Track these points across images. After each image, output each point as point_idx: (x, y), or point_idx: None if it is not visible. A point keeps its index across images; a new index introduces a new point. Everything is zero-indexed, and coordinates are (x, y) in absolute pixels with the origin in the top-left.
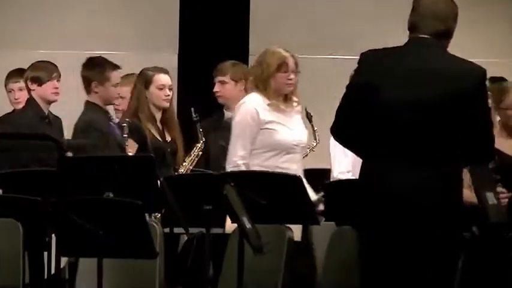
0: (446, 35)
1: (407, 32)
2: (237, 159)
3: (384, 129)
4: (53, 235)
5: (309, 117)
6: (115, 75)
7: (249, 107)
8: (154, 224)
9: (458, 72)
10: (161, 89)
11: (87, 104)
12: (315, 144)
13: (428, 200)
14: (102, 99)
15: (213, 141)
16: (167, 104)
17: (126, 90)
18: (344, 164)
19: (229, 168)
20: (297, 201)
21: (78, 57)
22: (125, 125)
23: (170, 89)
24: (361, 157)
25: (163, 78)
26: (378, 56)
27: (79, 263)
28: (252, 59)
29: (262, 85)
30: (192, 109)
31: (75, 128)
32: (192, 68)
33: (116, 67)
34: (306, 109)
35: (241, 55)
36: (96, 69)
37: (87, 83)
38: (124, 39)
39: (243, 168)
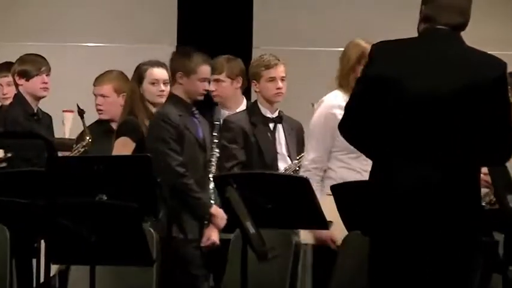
0: (462, 27)
1: (414, 24)
2: (308, 163)
3: (398, 124)
4: (42, 241)
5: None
6: (203, 69)
7: (325, 107)
8: (151, 229)
9: (478, 64)
10: (154, 83)
11: (169, 95)
12: None
13: (445, 202)
14: (186, 92)
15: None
16: (162, 100)
17: (107, 89)
18: None
19: (301, 172)
20: (305, 205)
21: (72, 50)
22: (217, 123)
23: (165, 84)
24: (370, 157)
25: (156, 72)
26: (391, 47)
27: (70, 271)
28: (256, 52)
29: (344, 81)
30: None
31: (150, 121)
32: None
33: (206, 61)
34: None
35: (244, 48)
36: (183, 59)
37: (173, 73)
38: (119, 30)
39: (313, 172)
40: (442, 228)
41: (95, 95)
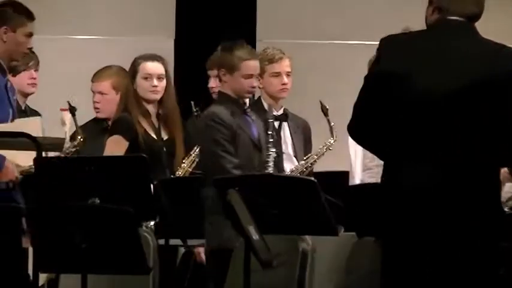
0: (477, 17)
1: (423, 15)
2: (369, 160)
3: (411, 123)
4: (30, 247)
5: (324, 110)
6: (247, 65)
7: None
8: (147, 235)
9: (494, 57)
10: (147, 78)
11: (218, 94)
12: (332, 141)
13: (463, 206)
14: (232, 90)
15: None
16: (155, 96)
17: (105, 86)
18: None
19: (364, 172)
20: (312, 209)
21: (66, 43)
22: (271, 120)
23: (160, 79)
24: (382, 158)
25: (149, 67)
26: (401, 41)
27: (60, 280)
28: (260, 46)
29: None
30: (192, 102)
31: (200, 121)
32: (190, 55)
33: (251, 55)
34: (321, 102)
35: (247, 40)
36: (225, 55)
37: (217, 70)
38: (114, 22)
39: (375, 170)
40: (469, 233)
41: (92, 91)
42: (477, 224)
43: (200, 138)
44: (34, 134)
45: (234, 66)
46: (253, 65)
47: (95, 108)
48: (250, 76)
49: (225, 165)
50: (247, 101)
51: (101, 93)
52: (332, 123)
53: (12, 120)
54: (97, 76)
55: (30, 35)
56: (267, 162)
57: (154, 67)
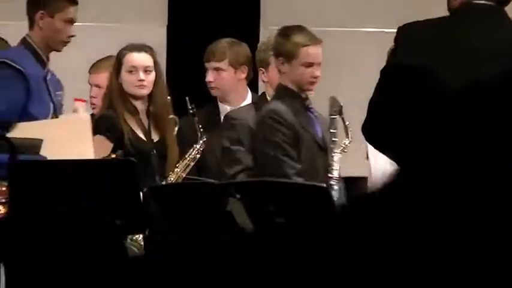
0: (508, 0)
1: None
2: None
3: (433, 123)
4: (1, 264)
5: (337, 108)
6: (307, 52)
7: None
8: (135, 249)
9: None
10: (132, 71)
11: (277, 87)
12: (347, 143)
13: (494, 213)
14: (291, 81)
15: (208, 140)
16: (141, 91)
17: (102, 78)
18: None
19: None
20: (322, 219)
21: None
22: (335, 116)
23: (147, 72)
24: (401, 163)
25: (135, 58)
26: (422, 29)
27: None
28: (264, 34)
29: None
30: (187, 98)
31: (257, 118)
32: (184, 44)
33: (312, 41)
34: (334, 98)
35: (250, 27)
36: (281, 41)
37: (275, 59)
38: (100, 8)
39: None
40: (499, 246)
41: (90, 84)
42: (492, 229)
43: (257, 139)
44: (86, 132)
45: (292, 54)
46: (314, 52)
47: (92, 103)
48: (311, 64)
49: (286, 171)
50: (311, 93)
51: (98, 86)
52: (347, 122)
53: (55, 116)
54: (95, 67)
55: (70, 21)
56: (331, 165)
57: (140, 59)
